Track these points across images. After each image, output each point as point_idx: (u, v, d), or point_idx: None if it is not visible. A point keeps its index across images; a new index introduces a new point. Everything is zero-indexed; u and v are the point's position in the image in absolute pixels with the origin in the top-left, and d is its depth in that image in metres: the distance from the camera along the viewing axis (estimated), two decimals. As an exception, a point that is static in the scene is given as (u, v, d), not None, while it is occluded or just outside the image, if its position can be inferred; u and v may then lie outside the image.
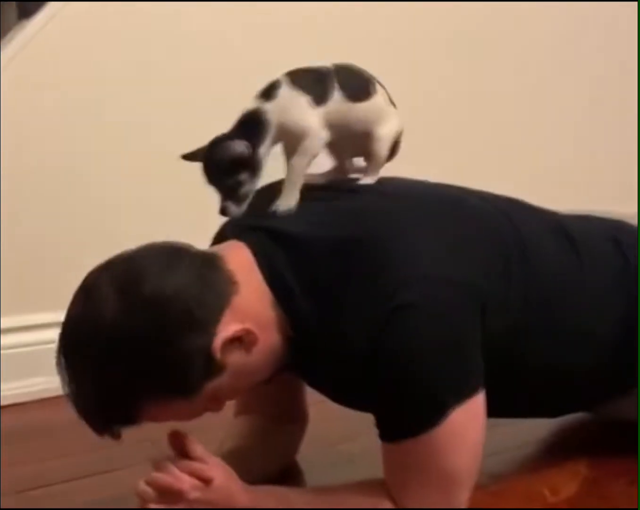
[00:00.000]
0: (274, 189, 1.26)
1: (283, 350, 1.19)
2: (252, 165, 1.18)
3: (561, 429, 1.61)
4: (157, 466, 1.16)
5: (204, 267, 1.13)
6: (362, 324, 1.13)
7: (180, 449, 1.16)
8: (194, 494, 1.14)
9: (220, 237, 1.30)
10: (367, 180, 1.30)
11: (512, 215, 1.33)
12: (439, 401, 1.13)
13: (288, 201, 1.23)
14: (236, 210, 1.19)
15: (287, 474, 1.40)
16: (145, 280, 1.09)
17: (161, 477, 1.14)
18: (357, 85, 1.26)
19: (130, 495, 1.16)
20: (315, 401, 1.47)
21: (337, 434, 1.59)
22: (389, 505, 1.17)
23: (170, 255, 1.14)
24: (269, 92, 1.20)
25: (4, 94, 1.81)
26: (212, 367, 1.11)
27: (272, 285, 1.17)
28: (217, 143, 1.19)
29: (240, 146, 1.17)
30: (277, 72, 1.25)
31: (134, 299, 1.08)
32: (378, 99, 1.27)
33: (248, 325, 1.13)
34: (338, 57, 1.29)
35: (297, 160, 1.22)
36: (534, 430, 1.59)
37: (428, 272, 1.15)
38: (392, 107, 1.31)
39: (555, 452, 1.53)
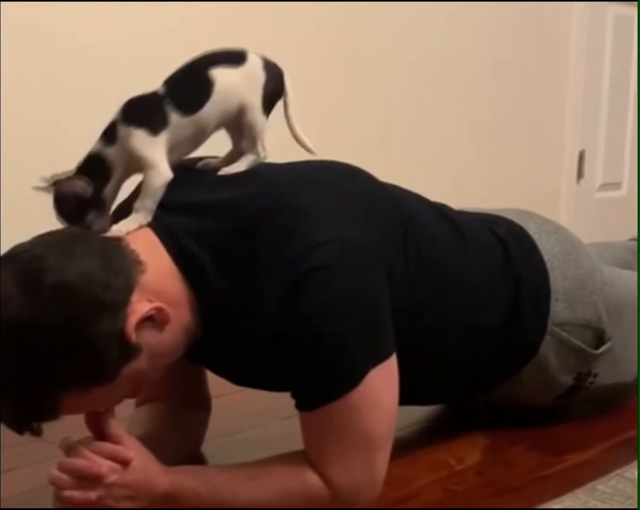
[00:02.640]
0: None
1: (195, 327, 1.16)
2: (97, 204, 1.15)
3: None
4: (70, 450, 1.10)
5: (106, 250, 1.10)
6: (274, 289, 1.11)
7: (96, 428, 1.12)
8: (112, 477, 1.09)
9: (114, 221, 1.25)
10: (252, 154, 1.24)
11: (403, 198, 1.36)
12: (356, 362, 1.13)
13: (129, 225, 1.17)
14: None
15: (195, 463, 1.36)
16: (47, 271, 1.04)
17: (76, 461, 1.09)
18: (192, 92, 1.19)
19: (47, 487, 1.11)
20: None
21: (236, 423, 1.57)
22: (311, 473, 1.15)
23: (69, 242, 1.09)
24: (108, 135, 1.16)
25: None
26: (128, 349, 1.08)
27: (179, 262, 1.14)
28: (60, 184, 1.15)
29: (79, 187, 1.13)
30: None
31: (38, 292, 1.03)
32: (221, 88, 1.19)
33: (158, 304, 1.10)
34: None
35: (142, 202, 1.17)
36: (434, 407, 1.64)
37: (337, 236, 1.14)
38: (241, 70, 1.21)
39: (454, 425, 1.57)
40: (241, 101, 1.21)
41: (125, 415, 1.31)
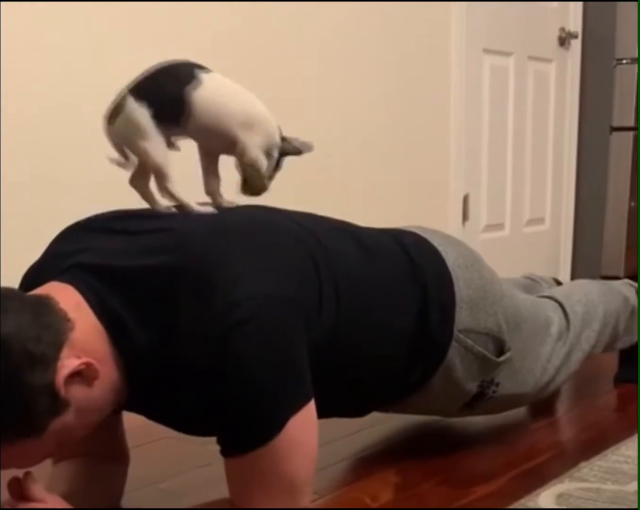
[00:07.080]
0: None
1: (122, 383, 1.19)
2: None
3: (370, 443, 1.75)
4: (-4, 511, 1.10)
5: (37, 307, 1.13)
6: (197, 348, 1.15)
7: (18, 493, 1.12)
8: None
9: (32, 281, 1.26)
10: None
11: (314, 228, 1.41)
12: (277, 413, 1.17)
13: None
14: None
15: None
16: None
17: (3, 521, 1.09)
18: None
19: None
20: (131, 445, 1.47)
21: (153, 473, 1.58)
22: (237, 520, 1.19)
23: (3, 299, 1.12)
24: None
25: None
26: (57, 403, 1.11)
27: (104, 321, 1.18)
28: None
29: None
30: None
31: None
32: None
33: (88, 359, 1.13)
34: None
35: None
36: (346, 447, 1.71)
37: (254, 292, 1.19)
38: None
39: (367, 464, 1.63)
40: None
41: (43, 473, 1.31)
